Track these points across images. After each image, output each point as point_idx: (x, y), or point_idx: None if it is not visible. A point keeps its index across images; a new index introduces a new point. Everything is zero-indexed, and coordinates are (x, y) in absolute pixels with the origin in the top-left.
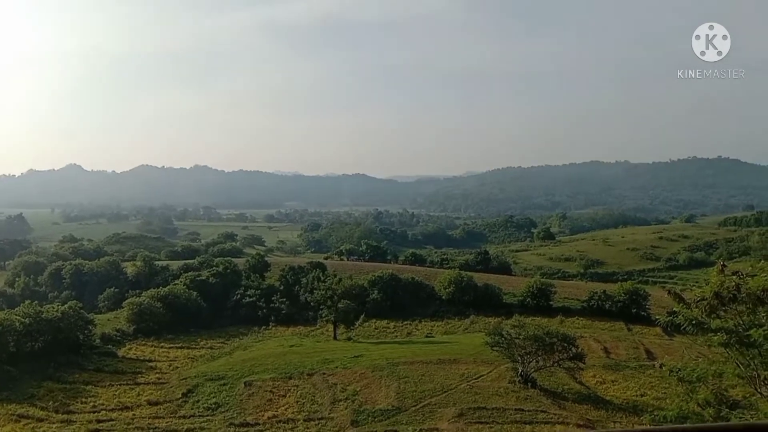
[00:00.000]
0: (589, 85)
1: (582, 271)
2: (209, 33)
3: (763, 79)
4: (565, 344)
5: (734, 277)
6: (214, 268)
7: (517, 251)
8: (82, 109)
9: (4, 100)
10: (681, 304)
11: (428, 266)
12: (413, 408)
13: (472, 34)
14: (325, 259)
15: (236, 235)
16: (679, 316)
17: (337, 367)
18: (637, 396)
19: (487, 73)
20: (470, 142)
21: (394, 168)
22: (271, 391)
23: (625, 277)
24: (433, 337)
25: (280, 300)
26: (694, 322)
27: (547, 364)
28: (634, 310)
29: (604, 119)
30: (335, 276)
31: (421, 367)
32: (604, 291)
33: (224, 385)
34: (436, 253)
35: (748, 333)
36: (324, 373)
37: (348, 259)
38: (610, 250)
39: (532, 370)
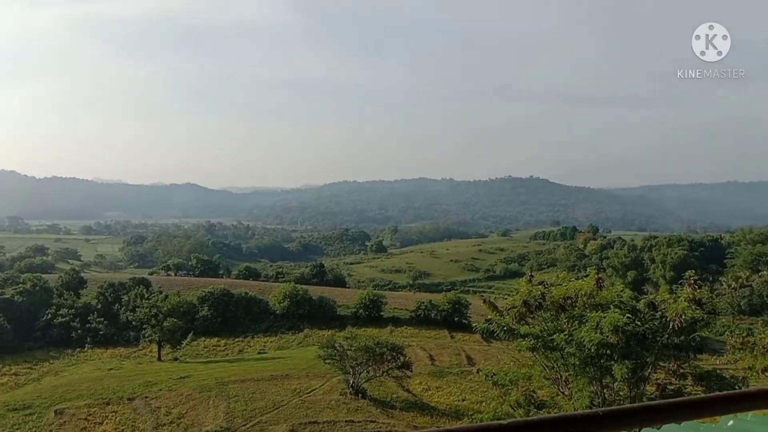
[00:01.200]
0: (419, 105)
1: (411, 282)
2: (25, 30)
3: (553, 109)
4: (394, 353)
5: (540, 286)
6: (20, 285)
7: (351, 264)
8: None
9: None
10: (495, 312)
11: (263, 280)
12: (243, 427)
13: (312, 46)
14: (150, 274)
15: (48, 249)
16: (493, 323)
17: (161, 390)
18: (458, 401)
19: (323, 87)
20: (307, 155)
21: (228, 179)
22: (86, 419)
23: (449, 287)
24: (266, 353)
25: (98, 320)
26: (505, 328)
27: (377, 374)
28: (457, 319)
29: (432, 138)
30: (161, 293)
31: (252, 385)
32: (430, 301)
33: (30, 414)
34: (271, 266)
35: (551, 338)
36: (146, 397)
37: (176, 275)
38: (436, 261)
39: (363, 380)
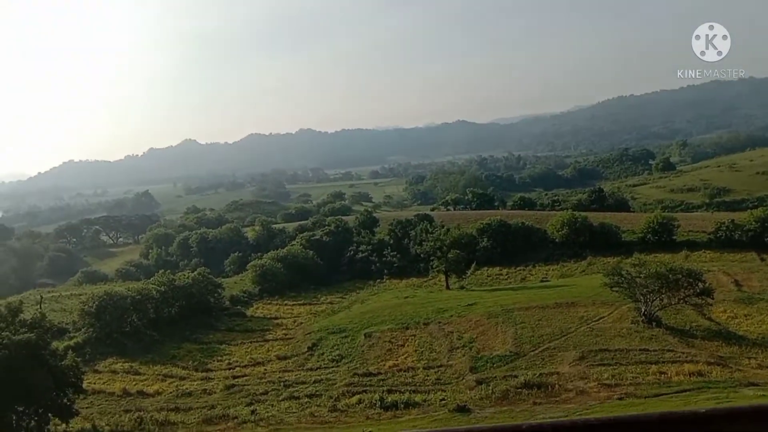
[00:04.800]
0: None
1: (707, 201)
2: None
3: None
4: (691, 280)
5: None
6: (326, 227)
7: (634, 186)
8: (190, 86)
9: (120, 88)
10: None
11: (538, 210)
12: (532, 353)
13: None
14: (432, 210)
15: (344, 194)
16: None
17: (452, 316)
18: None
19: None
20: (576, 74)
21: (496, 111)
22: (390, 341)
23: (756, 203)
24: (548, 281)
25: (391, 254)
26: None
27: (672, 302)
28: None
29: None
30: (443, 227)
31: (538, 312)
32: (733, 220)
33: (346, 337)
34: (546, 195)
35: None
36: (440, 322)
37: (455, 209)
38: (738, 176)
39: (656, 309)
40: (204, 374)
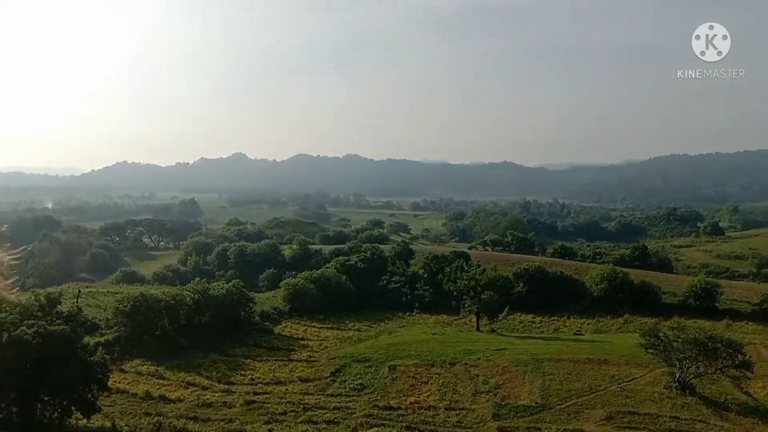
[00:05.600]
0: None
1: (754, 270)
2: (359, 24)
3: None
4: (731, 350)
5: None
6: (362, 253)
7: (680, 247)
8: (247, 101)
9: (179, 96)
10: None
11: (579, 260)
12: (558, 407)
13: (636, 10)
14: (469, 248)
15: (383, 222)
16: None
17: (479, 359)
18: None
19: (650, 52)
20: (630, 128)
21: (545, 156)
22: (413, 377)
23: None
24: (582, 334)
25: (424, 287)
26: None
27: (709, 371)
28: None
29: None
30: (479, 266)
31: (569, 365)
32: None
33: (370, 367)
34: (588, 246)
35: None
36: (466, 364)
37: (493, 250)
38: None
39: (692, 376)
40: (226, 386)
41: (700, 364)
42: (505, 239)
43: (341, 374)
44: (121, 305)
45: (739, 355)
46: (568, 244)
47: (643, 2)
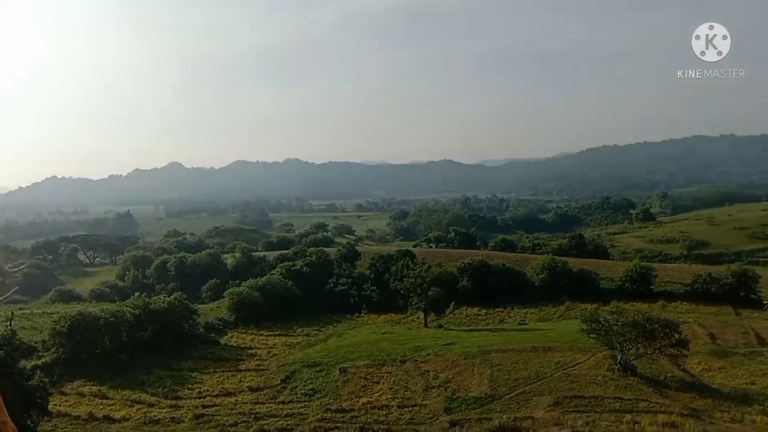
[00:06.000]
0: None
1: (685, 253)
2: (297, 31)
3: None
4: (667, 330)
5: None
6: (307, 257)
7: (614, 234)
8: (181, 109)
9: (109, 107)
10: None
11: (519, 252)
12: (507, 396)
13: (559, 15)
14: (414, 246)
15: (327, 225)
16: None
17: (428, 355)
18: (747, 384)
19: (576, 53)
20: (563, 123)
21: (482, 152)
22: (365, 378)
23: (733, 258)
24: (526, 324)
25: (371, 288)
26: None
27: (648, 351)
28: (743, 294)
29: (706, 90)
30: (424, 263)
31: (515, 355)
32: (710, 273)
33: (320, 371)
34: (527, 238)
35: None
36: (416, 360)
37: (437, 247)
38: (715, 229)
39: (632, 357)
40: (173, 402)
41: (639, 345)
42: (448, 235)
43: (292, 380)
44: (57, 325)
45: (675, 334)
46: (509, 236)
47: (575, 4)
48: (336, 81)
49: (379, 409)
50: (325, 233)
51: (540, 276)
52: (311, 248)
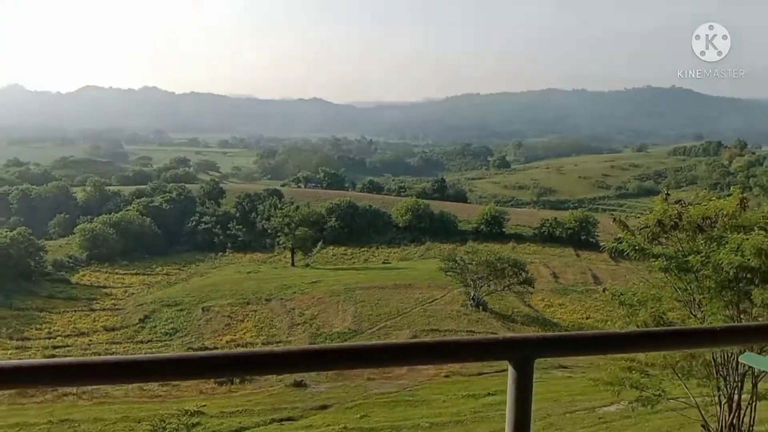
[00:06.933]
0: (545, 5)
1: (535, 199)
2: None
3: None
4: (516, 269)
5: (677, 205)
6: (167, 194)
7: (473, 179)
8: (19, 21)
9: None
10: (625, 231)
11: (386, 194)
12: (369, 331)
13: None
14: (282, 186)
15: (189, 161)
16: (623, 243)
17: (294, 293)
18: (582, 318)
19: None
20: (430, 68)
21: (352, 94)
22: (229, 316)
23: (576, 205)
24: (389, 263)
25: (237, 227)
26: (637, 248)
27: (498, 289)
28: (584, 237)
29: (561, 44)
30: (292, 203)
31: (378, 292)
32: (556, 218)
33: (182, 311)
34: (393, 181)
35: (686, 259)
36: (282, 299)
37: (305, 187)
38: (563, 178)
39: (484, 294)
40: (20, 343)
41: (491, 282)
42: (318, 176)
43: (150, 320)
44: None
45: (522, 273)
46: (376, 179)
47: None
48: (198, 7)
49: (242, 346)
50: (187, 169)
51: (404, 218)
52: (172, 184)
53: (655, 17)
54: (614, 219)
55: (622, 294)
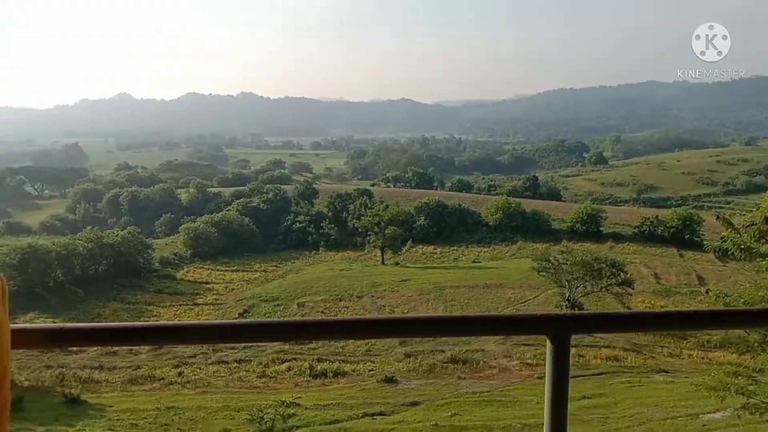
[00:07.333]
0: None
1: (635, 196)
2: None
3: None
4: (614, 270)
5: None
6: (264, 194)
7: (567, 177)
8: (127, 34)
9: (50, 28)
10: (730, 229)
11: (475, 193)
12: None
13: None
14: (372, 185)
15: (284, 163)
16: (728, 242)
17: (385, 290)
18: None
19: None
20: (520, 64)
21: (440, 92)
22: (322, 312)
23: (680, 202)
24: (479, 262)
25: (329, 226)
26: (742, 247)
27: (595, 290)
28: (687, 236)
29: (660, 36)
30: (382, 202)
31: (468, 291)
32: (657, 217)
33: (278, 305)
34: (483, 179)
35: None
36: (373, 296)
37: (394, 186)
38: (664, 174)
39: (580, 295)
40: None
41: (587, 283)
42: (406, 175)
43: (250, 314)
44: (8, 258)
45: (621, 274)
46: (465, 177)
47: None
48: (291, 15)
49: (336, 341)
50: (282, 170)
51: (494, 216)
52: (268, 185)
53: (760, 2)
54: (717, 216)
55: (727, 295)
